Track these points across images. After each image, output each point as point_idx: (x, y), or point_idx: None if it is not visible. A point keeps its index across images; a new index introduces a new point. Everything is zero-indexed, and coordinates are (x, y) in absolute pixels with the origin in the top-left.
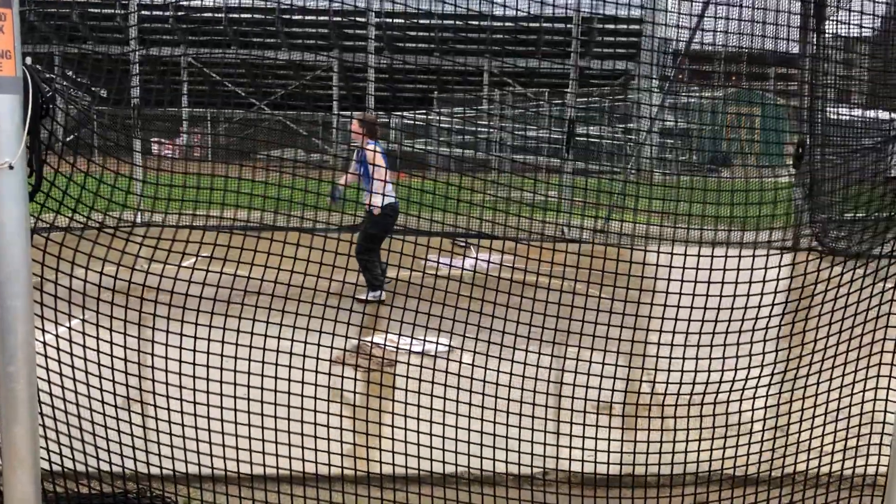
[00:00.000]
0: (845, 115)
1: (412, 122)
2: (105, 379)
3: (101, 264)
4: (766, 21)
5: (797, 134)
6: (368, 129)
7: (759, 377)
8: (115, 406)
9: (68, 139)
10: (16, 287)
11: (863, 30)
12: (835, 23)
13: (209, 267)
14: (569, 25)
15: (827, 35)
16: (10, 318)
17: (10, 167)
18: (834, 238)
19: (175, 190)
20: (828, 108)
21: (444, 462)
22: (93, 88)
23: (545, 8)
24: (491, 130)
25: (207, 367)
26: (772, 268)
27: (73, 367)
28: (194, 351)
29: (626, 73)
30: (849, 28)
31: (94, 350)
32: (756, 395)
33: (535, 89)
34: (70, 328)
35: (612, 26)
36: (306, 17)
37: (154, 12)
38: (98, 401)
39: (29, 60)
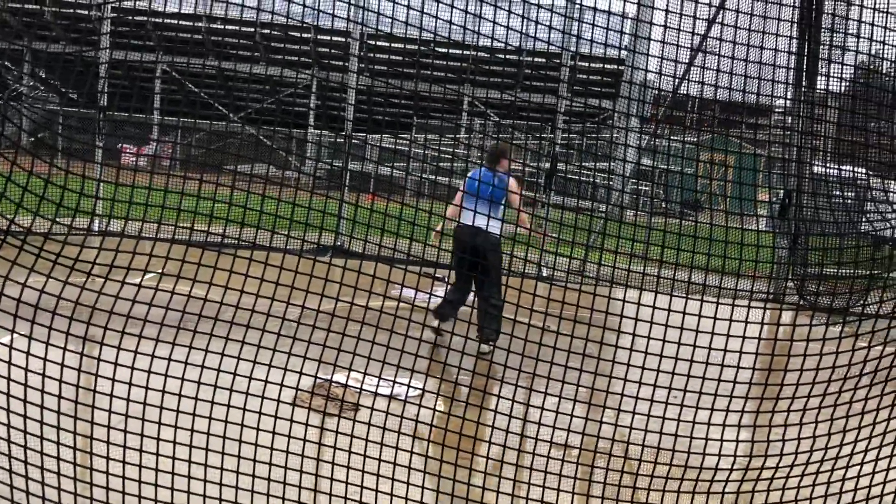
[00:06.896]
0: (830, 168)
1: (391, 146)
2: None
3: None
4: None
5: (783, 184)
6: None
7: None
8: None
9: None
10: None
11: (847, 85)
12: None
13: (158, 285)
14: (553, 61)
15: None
16: None
17: None
18: (815, 293)
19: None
20: (815, 162)
21: None
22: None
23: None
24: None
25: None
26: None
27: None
28: (130, 383)
29: (607, 111)
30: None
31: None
32: (722, 453)
33: (517, 121)
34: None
35: (597, 65)
36: (288, 34)
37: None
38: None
39: None
